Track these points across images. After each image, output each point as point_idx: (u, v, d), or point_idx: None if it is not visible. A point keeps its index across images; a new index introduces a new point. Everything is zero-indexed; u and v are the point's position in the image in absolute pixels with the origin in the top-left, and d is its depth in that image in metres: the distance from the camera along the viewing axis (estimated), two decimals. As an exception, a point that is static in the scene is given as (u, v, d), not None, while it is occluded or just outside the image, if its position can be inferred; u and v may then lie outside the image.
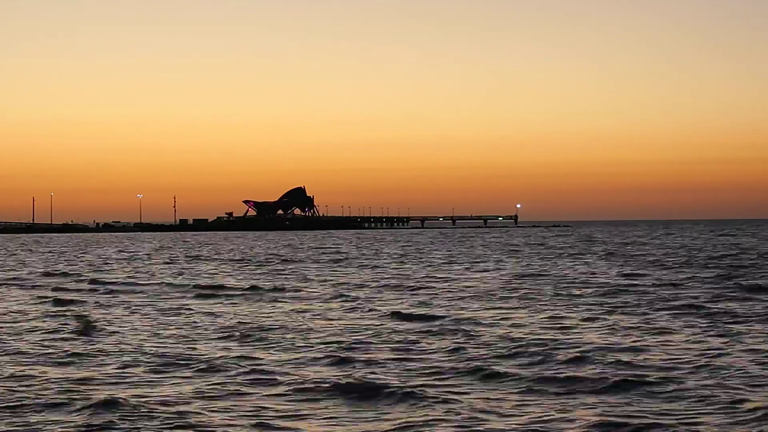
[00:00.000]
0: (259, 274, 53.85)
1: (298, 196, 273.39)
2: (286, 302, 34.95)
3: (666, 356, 20.28)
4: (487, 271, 54.44)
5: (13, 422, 14.66)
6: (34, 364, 20.12)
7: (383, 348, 22.19)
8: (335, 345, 22.64)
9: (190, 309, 32.43)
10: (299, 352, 21.66)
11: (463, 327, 25.75)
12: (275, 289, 40.59)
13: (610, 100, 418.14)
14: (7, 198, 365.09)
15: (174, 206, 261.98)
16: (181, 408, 15.50)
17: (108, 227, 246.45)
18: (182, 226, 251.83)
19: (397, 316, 29.24)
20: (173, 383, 17.84)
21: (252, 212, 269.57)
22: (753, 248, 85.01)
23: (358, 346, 22.55)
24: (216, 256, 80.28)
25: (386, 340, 23.63)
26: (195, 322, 28.36)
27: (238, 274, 53.53)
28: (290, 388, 17.20)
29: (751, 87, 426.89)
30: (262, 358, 20.74)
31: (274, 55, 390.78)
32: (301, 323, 27.63)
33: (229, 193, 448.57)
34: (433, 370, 18.88)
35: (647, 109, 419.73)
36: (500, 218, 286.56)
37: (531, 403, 15.83)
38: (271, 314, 30.57)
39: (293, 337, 24.24)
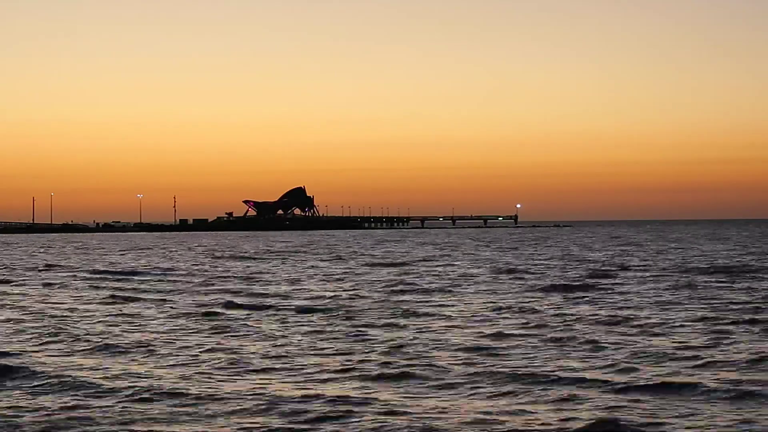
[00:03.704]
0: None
1: (298, 196, 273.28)
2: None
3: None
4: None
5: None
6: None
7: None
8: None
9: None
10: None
11: None
12: None
13: (610, 100, 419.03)
14: (7, 198, 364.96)
15: (174, 206, 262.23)
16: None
17: (108, 227, 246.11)
18: (182, 226, 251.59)
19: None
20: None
21: (252, 212, 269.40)
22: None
23: None
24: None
25: None
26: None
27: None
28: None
29: (751, 87, 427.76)
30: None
31: (274, 55, 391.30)
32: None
33: (229, 193, 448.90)
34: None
35: (647, 109, 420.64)
36: (500, 218, 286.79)
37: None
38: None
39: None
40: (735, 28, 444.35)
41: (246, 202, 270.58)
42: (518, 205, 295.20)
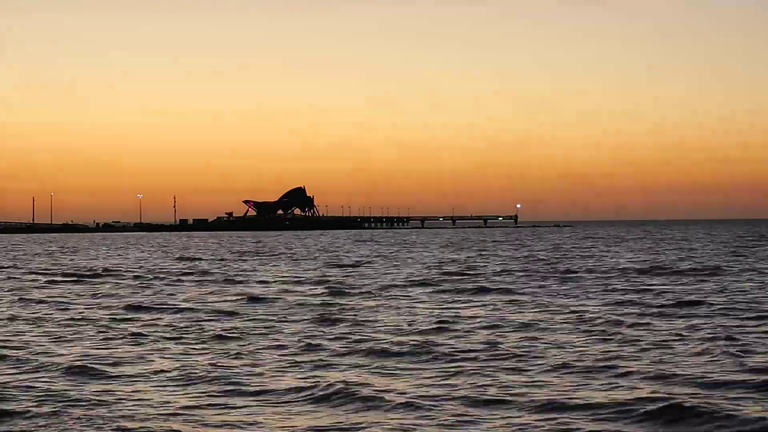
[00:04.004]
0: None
1: (298, 196, 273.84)
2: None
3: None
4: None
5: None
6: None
7: None
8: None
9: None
10: None
11: None
12: None
13: (610, 100, 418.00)
14: (7, 198, 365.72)
15: (174, 206, 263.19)
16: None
17: (108, 227, 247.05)
18: (182, 226, 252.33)
19: None
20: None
21: (252, 212, 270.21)
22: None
23: None
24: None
25: None
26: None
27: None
28: None
29: (751, 87, 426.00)
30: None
31: (274, 55, 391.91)
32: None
33: (229, 193, 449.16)
34: None
35: (647, 110, 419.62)
36: (500, 218, 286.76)
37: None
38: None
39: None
40: (735, 28, 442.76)
41: (246, 202, 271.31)
42: (518, 205, 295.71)
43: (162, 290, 41.67)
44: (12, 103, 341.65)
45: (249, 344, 23.12)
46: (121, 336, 25.05)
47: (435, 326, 26.07)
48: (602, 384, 17.14)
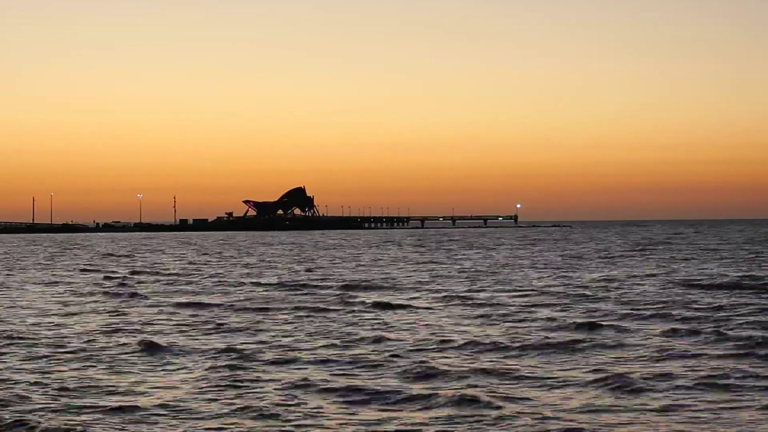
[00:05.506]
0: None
1: (298, 196, 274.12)
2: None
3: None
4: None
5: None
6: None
7: None
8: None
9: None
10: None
11: None
12: None
13: (610, 100, 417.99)
14: (7, 198, 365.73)
15: (174, 206, 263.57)
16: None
17: (108, 227, 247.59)
18: (182, 226, 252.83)
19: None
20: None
21: (252, 212, 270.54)
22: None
23: None
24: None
25: None
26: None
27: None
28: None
29: (752, 87, 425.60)
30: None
31: (273, 55, 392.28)
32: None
33: (229, 193, 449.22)
34: None
35: (647, 109, 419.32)
36: (500, 218, 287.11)
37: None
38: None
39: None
40: (735, 28, 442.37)
41: (246, 202, 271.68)
42: (518, 205, 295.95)
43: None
44: (12, 102, 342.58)
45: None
46: None
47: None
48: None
